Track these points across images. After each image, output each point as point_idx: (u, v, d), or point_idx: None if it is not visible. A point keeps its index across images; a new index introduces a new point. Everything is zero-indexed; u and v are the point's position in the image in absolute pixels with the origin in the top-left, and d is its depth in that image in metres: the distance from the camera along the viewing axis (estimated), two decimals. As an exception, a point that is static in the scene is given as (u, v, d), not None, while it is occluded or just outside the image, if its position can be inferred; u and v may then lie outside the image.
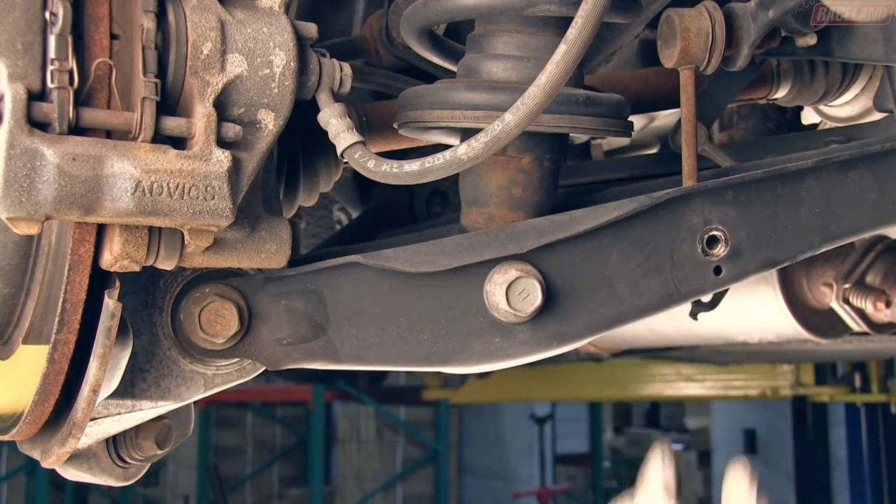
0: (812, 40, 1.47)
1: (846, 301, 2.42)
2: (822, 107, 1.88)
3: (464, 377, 9.09)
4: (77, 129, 1.02)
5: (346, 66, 1.21)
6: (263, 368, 1.30)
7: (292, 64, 1.13)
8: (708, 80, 1.57)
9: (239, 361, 1.29)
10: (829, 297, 2.46)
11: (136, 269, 1.10)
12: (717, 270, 1.31)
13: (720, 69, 1.43)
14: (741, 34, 1.40)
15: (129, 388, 1.25)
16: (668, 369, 8.10)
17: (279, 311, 1.27)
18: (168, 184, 1.04)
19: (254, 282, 1.27)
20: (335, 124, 1.20)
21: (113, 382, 1.18)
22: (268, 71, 1.11)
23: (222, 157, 1.07)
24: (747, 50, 1.40)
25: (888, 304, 2.37)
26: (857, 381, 8.03)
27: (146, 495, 10.71)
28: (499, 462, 12.09)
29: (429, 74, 1.66)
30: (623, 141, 2.48)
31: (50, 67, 1.00)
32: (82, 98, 1.03)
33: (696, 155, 1.38)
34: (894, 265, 2.41)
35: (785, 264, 1.35)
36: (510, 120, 1.13)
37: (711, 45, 1.38)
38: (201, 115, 1.06)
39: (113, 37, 1.05)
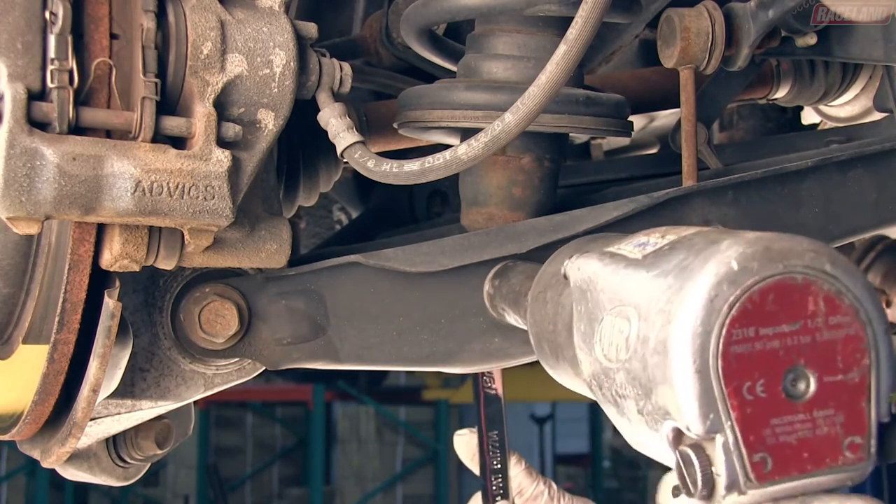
0: (812, 40, 1.47)
1: (846, 301, 2.41)
2: (822, 107, 1.88)
3: (464, 377, 9.10)
4: (77, 129, 1.02)
5: (346, 66, 1.21)
6: (263, 368, 1.30)
7: (292, 64, 1.13)
8: (708, 80, 1.57)
9: (239, 361, 1.29)
10: (830, 297, 2.45)
11: (136, 268, 1.10)
12: (717, 270, 1.30)
13: (720, 69, 1.43)
14: (741, 34, 1.40)
15: (129, 388, 1.25)
16: (668, 369, 8.09)
17: (279, 310, 1.27)
18: (168, 183, 1.04)
19: (254, 281, 1.27)
20: (335, 124, 1.20)
21: (113, 382, 1.18)
22: (268, 71, 1.11)
23: (222, 157, 1.07)
24: (747, 50, 1.40)
25: (888, 304, 2.37)
26: (858, 382, 8.02)
27: (146, 495, 10.70)
28: (499, 462, 12.07)
29: (429, 74, 1.66)
30: (623, 141, 2.47)
31: (50, 67, 1.00)
32: (82, 98, 1.03)
33: (696, 155, 1.38)
34: (894, 265, 2.41)
35: (785, 264, 1.35)
36: (510, 120, 1.13)
37: (711, 44, 1.38)
38: (201, 115, 1.06)
39: (113, 36, 1.05)
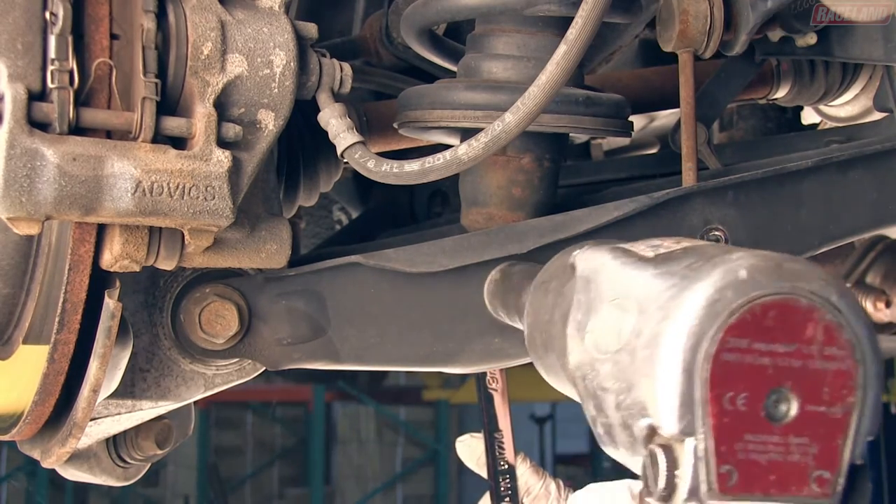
0: (812, 40, 1.47)
1: (846, 301, 2.41)
2: (822, 107, 1.88)
3: (464, 377, 9.11)
4: (77, 130, 1.02)
5: (346, 66, 1.21)
6: (263, 368, 1.30)
7: (292, 64, 1.13)
8: (708, 80, 1.57)
9: (239, 361, 1.29)
10: (829, 297, 2.45)
11: (137, 269, 1.10)
12: (718, 270, 1.30)
13: (720, 70, 1.43)
14: (740, 19, 1.40)
15: (129, 388, 1.25)
16: (668, 369, 8.07)
17: (279, 311, 1.27)
18: (168, 184, 1.04)
19: (254, 282, 1.27)
20: (335, 124, 1.20)
21: (113, 382, 1.18)
22: (268, 71, 1.11)
23: (222, 158, 1.07)
24: (745, 36, 1.40)
25: (888, 304, 2.37)
26: (857, 381, 8.00)
27: (146, 495, 10.70)
28: (499, 462, 12.06)
29: (429, 74, 1.66)
30: (623, 141, 2.48)
31: (50, 67, 1.00)
32: (82, 98, 1.03)
33: (696, 155, 1.38)
34: (894, 265, 2.41)
35: (785, 264, 1.35)
36: (510, 120, 1.13)
37: (710, 27, 1.38)
38: (201, 115, 1.06)
39: (113, 37, 1.05)
